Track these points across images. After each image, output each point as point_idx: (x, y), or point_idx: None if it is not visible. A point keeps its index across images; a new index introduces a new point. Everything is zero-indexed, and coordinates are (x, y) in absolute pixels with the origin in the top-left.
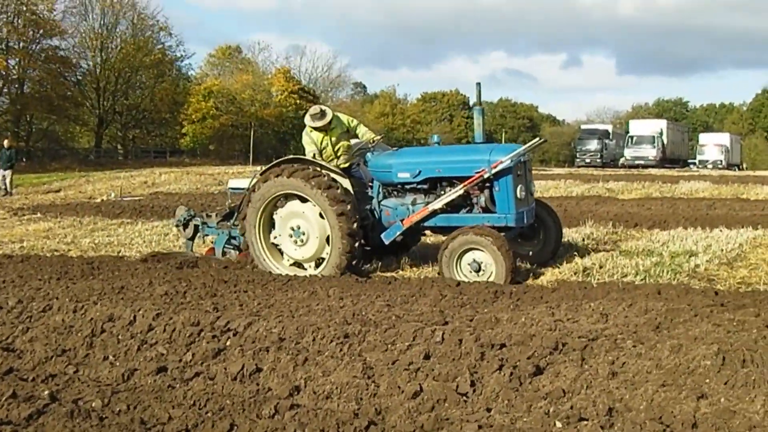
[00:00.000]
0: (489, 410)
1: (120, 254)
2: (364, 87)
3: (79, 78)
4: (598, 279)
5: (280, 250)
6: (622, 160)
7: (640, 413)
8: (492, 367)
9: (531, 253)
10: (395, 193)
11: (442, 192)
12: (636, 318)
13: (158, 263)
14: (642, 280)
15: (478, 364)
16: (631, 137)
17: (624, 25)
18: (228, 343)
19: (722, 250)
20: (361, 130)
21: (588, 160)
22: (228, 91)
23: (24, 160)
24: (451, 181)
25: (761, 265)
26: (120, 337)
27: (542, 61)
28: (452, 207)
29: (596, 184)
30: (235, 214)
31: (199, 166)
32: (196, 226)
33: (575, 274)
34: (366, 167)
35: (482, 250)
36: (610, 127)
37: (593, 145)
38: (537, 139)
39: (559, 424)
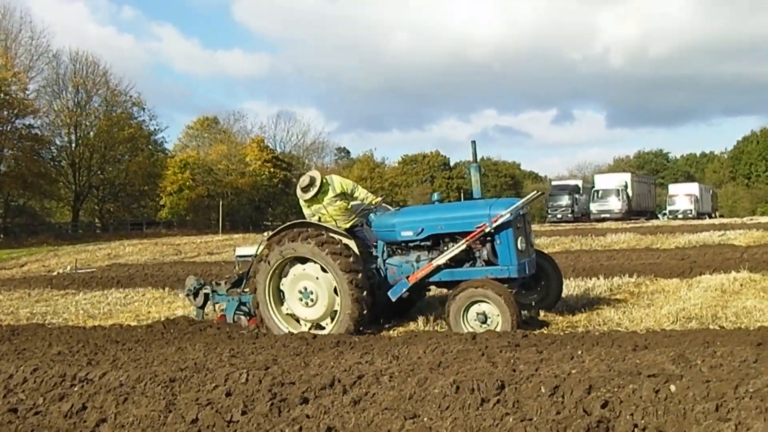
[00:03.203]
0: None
1: (46, 322)
2: (348, 152)
3: (54, 155)
4: (442, 328)
5: (291, 314)
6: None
7: (351, 431)
8: (265, 399)
9: (534, 302)
10: (399, 251)
11: (445, 248)
12: (426, 358)
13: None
14: None
15: (259, 398)
16: (597, 191)
17: (614, 78)
18: (76, 390)
19: (578, 297)
20: (360, 192)
21: (560, 216)
22: (204, 162)
23: (1, 235)
24: (454, 237)
25: (603, 309)
26: None
27: (533, 117)
28: (456, 262)
29: None
30: (244, 281)
31: (173, 237)
32: (206, 294)
33: (425, 324)
34: (369, 228)
35: (487, 302)
36: (580, 182)
37: (564, 200)
38: (535, 192)
39: None
